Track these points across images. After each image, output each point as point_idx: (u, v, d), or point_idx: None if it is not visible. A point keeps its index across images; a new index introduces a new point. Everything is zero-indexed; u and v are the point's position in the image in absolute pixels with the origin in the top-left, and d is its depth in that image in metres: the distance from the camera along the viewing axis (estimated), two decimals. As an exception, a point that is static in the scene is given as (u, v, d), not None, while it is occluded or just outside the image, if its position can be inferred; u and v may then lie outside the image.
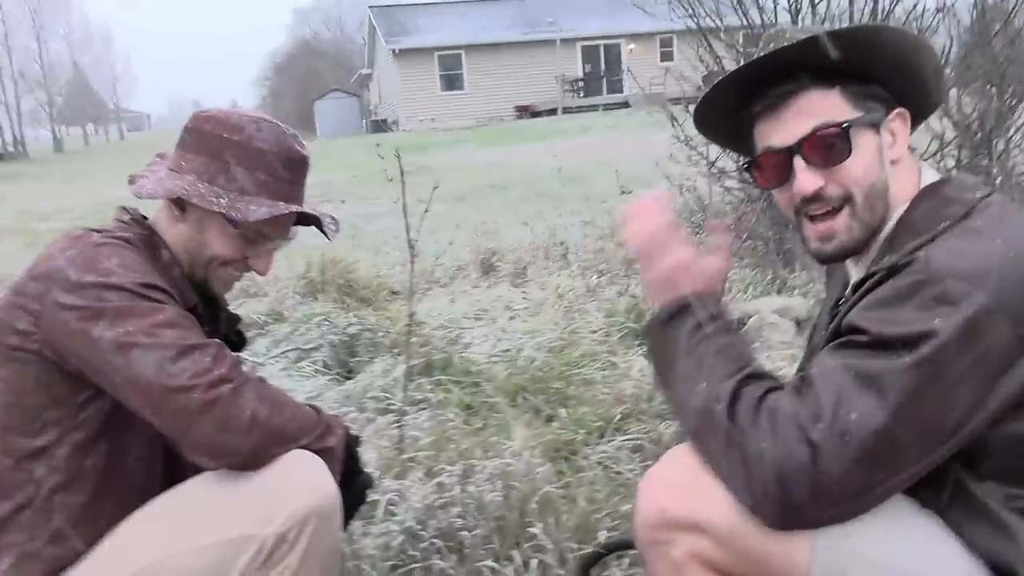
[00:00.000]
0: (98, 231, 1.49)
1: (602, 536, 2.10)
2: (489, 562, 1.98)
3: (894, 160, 1.31)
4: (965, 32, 5.15)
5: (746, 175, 5.09)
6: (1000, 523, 1.17)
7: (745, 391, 1.19)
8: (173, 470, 1.53)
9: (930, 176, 1.34)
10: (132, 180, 1.58)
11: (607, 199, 10.17)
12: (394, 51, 35.29)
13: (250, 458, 1.35)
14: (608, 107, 32.10)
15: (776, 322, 3.81)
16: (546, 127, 25.84)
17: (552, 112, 33.09)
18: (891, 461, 1.12)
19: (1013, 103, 4.67)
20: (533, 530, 2.02)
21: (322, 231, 1.67)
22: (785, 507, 1.12)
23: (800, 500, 1.11)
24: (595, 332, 3.98)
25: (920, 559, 1.18)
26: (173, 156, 1.58)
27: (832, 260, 1.36)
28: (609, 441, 2.75)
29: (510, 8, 39.21)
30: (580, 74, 36.58)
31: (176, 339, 1.34)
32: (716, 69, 5.56)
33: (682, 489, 1.23)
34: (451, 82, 36.11)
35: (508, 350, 3.90)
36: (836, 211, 1.29)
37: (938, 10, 4.87)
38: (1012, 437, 1.16)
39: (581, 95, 35.80)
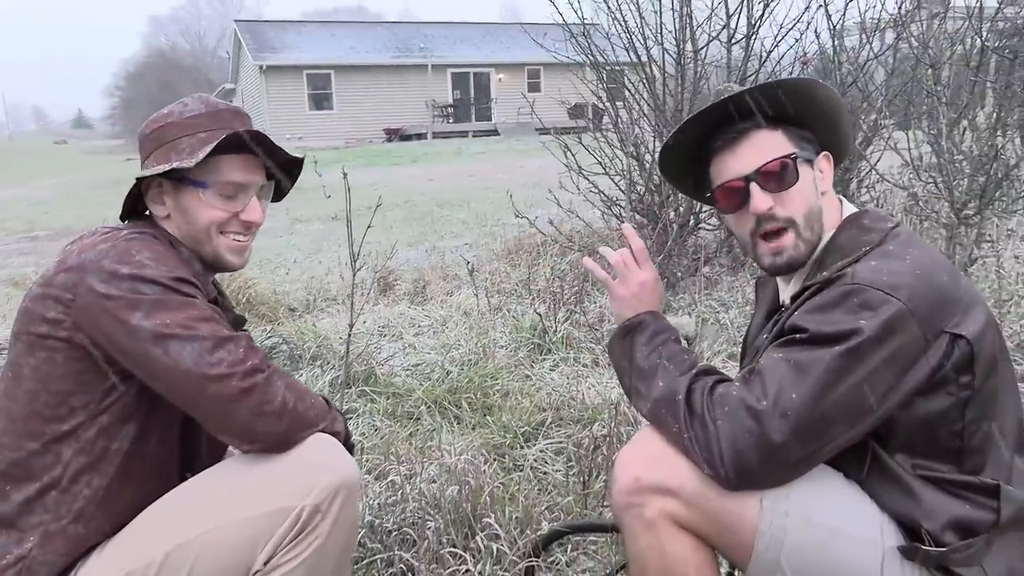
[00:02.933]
0: (121, 229, 1.58)
1: (545, 527, 2.32)
2: (449, 548, 2.15)
3: (823, 192, 1.63)
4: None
5: (636, 203, 5.52)
6: (908, 488, 1.48)
7: (698, 384, 1.49)
8: (188, 455, 1.64)
9: (849, 208, 1.67)
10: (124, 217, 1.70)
11: (487, 223, 10.47)
12: (261, 67, 34.44)
13: (282, 441, 1.48)
14: (477, 133, 32.69)
15: (669, 338, 4.15)
16: (418, 150, 25.98)
17: (421, 136, 33.31)
18: (823, 433, 1.41)
19: (864, 147, 5.29)
20: (488, 520, 2.20)
21: (280, 162, 1.70)
22: (739, 472, 1.40)
23: (751, 465, 1.39)
24: (503, 347, 4.20)
25: (844, 516, 1.48)
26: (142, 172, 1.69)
27: (783, 272, 1.65)
28: (534, 445, 2.98)
29: (382, 31, 39.24)
30: (450, 100, 37.00)
31: (211, 332, 1.46)
32: (603, 104, 5.97)
33: (653, 460, 1.50)
34: (319, 102, 35.60)
35: (419, 364, 4.07)
36: (784, 231, 1.60)
37: (801, 63, 5.48)
38: (916, 417, 1.47)
39: (450, 121, 36.22)
